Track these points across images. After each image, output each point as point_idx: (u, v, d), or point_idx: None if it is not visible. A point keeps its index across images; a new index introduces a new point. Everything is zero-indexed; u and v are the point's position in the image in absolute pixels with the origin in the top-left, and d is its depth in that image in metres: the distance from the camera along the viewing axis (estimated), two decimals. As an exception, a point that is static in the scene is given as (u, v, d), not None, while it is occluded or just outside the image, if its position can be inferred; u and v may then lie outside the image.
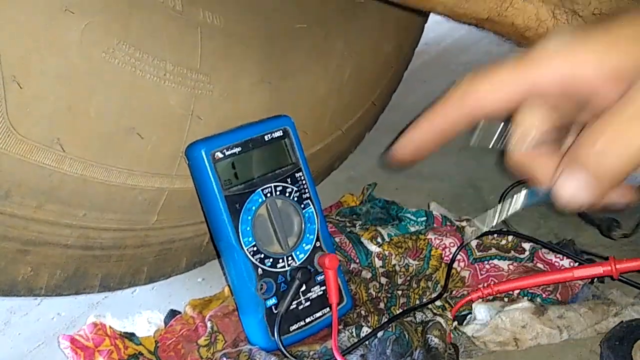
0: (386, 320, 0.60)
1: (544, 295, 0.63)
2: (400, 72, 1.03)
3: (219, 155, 0.57)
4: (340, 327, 0.60)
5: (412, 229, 0.73)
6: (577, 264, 0.65)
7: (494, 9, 0.55)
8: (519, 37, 0.58)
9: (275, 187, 0.60)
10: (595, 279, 0.64)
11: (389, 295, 0.66)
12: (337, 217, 0.80)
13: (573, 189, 0.34)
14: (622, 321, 0.57)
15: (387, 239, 0.71)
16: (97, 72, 0.50)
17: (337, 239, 0.71)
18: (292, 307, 0.60)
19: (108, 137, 0.53)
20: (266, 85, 0.68)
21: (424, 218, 0.75)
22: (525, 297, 0.63)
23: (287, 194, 0.61)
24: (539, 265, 0.67)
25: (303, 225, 0.61)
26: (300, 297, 0.60)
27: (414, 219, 0.75)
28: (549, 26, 0.55)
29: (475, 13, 0.56)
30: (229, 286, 0.64)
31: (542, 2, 0.55)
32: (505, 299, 0.63)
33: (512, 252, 0.69)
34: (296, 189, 0.61)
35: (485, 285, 0.65)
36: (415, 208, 0.77)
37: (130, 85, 0.53)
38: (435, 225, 0.75)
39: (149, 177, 0.57)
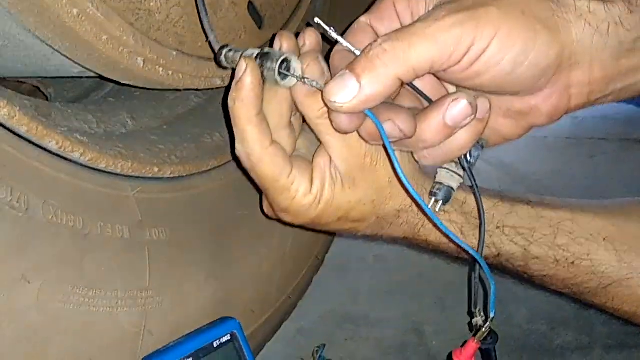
0: None
1: None
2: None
3: (172, 371, 0.61)
4: None
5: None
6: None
7: (409, 231, 0.62)
8: (434, 248, 0.65)
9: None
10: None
11: None
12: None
13: (345, 89, 0.46)
14: None
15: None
16: (54, 322, 0.54)
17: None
18: None
19: (65, 373, 0.56)
20: (212, 282, 0.73)
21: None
22: None
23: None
24: None
25: None
26: None
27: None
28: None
29: (393, 234, 0.63)
30: None
31: (450, 223, 0.62)
32: None
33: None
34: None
35: None
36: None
37: (85, 323, 0.57)
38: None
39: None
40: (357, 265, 1.13)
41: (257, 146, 0.53)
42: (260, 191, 0.62)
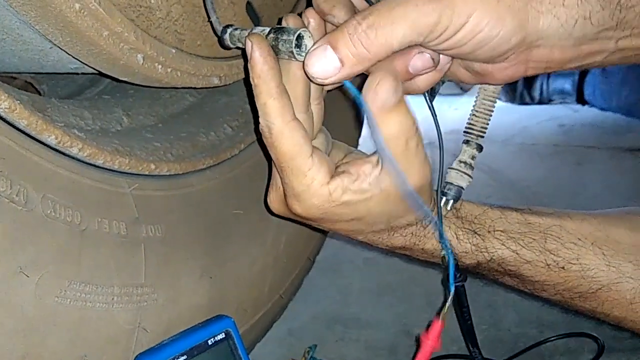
0: None
1: None
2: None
3: (166, 368, 0.61)
4: None
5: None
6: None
7: (410, 240, 0.63)
8: (429, 257, 0.66)
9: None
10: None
11: None
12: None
13: (326, 65, 0.49)
14: None
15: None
16: (50, 317, 0.54)
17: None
18: None
19: (60, 370, 0.56)
20: (207, 280, 0.73)
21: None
22: None
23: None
24: None
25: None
26: None
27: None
28: (454, 246, 0.63)
29: (395, 243, 0.63)
30: None
31: (447, 228, 0.63)
32: None
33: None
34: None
35: None
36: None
37: (80, 319, 0.57)
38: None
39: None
40: (348, 267, 1.13)
41: (278, 119, 0.54)
42: (269, 180, 0.61)
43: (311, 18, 0.56)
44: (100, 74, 0.65)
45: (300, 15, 0.57)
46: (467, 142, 0.64)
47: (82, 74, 0.72)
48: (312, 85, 0.58)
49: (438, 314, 0.62)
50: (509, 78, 0.56)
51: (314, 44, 0.51)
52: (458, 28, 0.48)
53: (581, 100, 2.59)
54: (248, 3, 0.72)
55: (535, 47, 0.51)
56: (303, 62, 0.52)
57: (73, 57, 0.60)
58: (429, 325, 0.64)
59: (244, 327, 0.79)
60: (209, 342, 0.65)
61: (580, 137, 2.12)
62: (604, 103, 2.46)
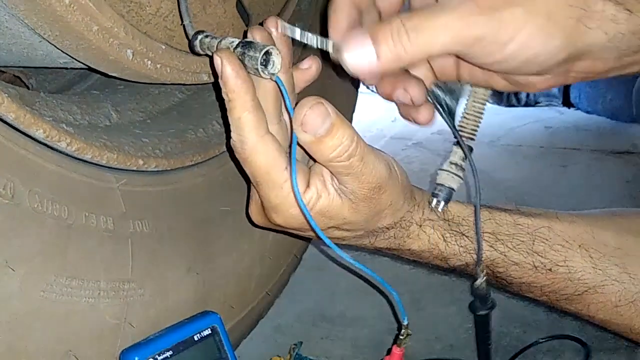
0: None
1: None
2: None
3: (152, 362, 0.61)
4: None
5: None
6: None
7: (394, 242, 0.63)
8: (417, 258, 0.66)
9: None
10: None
11: None
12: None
13: (362, 57, 0.47)
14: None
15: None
16: (35, 310, 0.54)
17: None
18: None
19: (45, 363, 0.56)
20: (194, 276, 0.73)
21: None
22: None
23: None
24: None
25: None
26: None
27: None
28: (441, 248, 0.64)
29: (378, 245, 0.64)
30: None
31: (434, 229, 0.64)
32: None
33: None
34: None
35: None
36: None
37: (66, 313, 0.57)
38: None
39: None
40: (334, 265, 1.13)
41: (252, 134, 0.54)
42: (248, 192, 0.62)
43: (272, 27, 0.56)
44: (90, 69, 0.65)
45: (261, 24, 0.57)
46: (457, 143, 0.65)
47: (71, 68, 0.72)
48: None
49: (396, 343, 0.65)
50: (548, 87, 0.55)
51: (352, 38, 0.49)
52: (505, 43, 0.47)
53: (567, 103, 2.61)
54: (238, 0, 0.72)
55: (579, 60, 0.50)
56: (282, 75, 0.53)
57: (62, 51, 0.60)
58: (388, 352, 0.66)
59: (230, 323, 0.79)
60: (195, 338, 0.65)
61: (566, 139, 2.14)
62: (590, 106, 2.48)
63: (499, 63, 0.49)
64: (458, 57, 0.52)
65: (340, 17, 0.56)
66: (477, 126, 0.63)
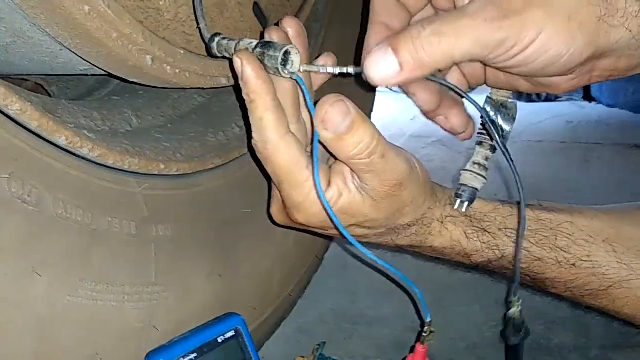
0: None
1: None
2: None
3: (177, 365, 0.62)
4: None
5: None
6: None
7: (415, 239, 0.63)
8: (440, 255, 0.66)
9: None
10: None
11: None
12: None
13: (385, 68, 0.47)
14: None
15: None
16: (61, 315, 0.55)
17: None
18: None
19: (72, 367, 0.57)
20: (216, 278, 0.73)
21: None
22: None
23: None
24: None
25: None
26: None
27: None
28: (464, 245, 0.64)
29: (400, 243, 0.64)
30: None
31: (455, 226, 0.63)
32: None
33: None
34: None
35: None
36: None
37: (92, 317, 0.58)
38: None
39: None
40: (355, 264, 1.13)
41: (273, 133, 0.54)
42: (269, 192, 0.62)
43: (289, 27, 0.57)
44: (110, 75, 0.66)
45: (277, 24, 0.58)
46: (480, 143, 0.64)
47: (92, 75, 0.73)
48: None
49: (419, 341, 0.64)
50: (572, 88, 0.54)
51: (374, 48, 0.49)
52: (526, 45, 0.47)
53: (588, 97, 2.59)
54: (255, 4, 0.73)
55: (603, 59, 0.50)
56: (296, 76, 0.53)
57: (82, 58, 0.61)
58: (412, 350, 0.66)
59: (253, 325, 0.80)
60: (219, 340, 0.66)
61: (587, 134, 2.12)
62: (611, 100, 2.45)
63: (522, 66, 0.49)
64: (481, 62, 0.52)
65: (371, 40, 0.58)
66: None
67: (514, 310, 0.62)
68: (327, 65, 0.54)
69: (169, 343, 0.64)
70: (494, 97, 0.62)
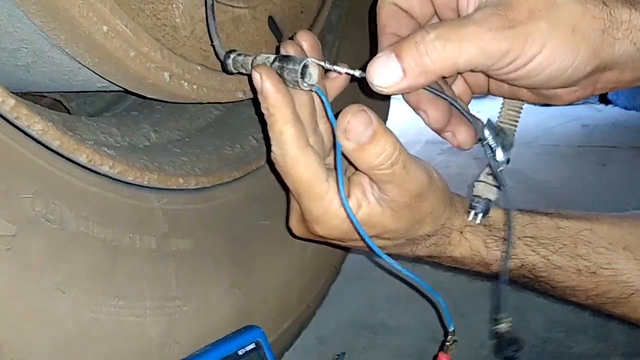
0: None
1: None
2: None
3: (199, 380, 0.62)
4: None
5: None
6: None
7: (435, 250, 0.63)
8: (460, 265, 0.66)
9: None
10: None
11: None
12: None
13: (388, 74, 0.48)
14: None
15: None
16: (87, 331, 0.55)
17: None
18: None
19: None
20: (236, 290, 0.74)
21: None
22: None
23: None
24: None
25: None
26: None
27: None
28: (483, 255, 0.64)
29: (419, 253, 0.64)
30: None
31: (475, 235, 0.63)
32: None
33: None
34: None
35: None
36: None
37: (115, 332, 0.58)
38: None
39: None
40: (374, 273, 1.13)
41: (293, 147, 0.54)
42: (288, 204, 0.62)
43: (303, 41, 0.57)
44: (127, 91, 0.66)
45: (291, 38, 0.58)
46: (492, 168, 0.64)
47: (110, 91, 0.74)
48: (318, 103, 0.58)
49: (442, 349, 0.64)
50: (576, 99, 0.54)
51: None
52: (530, 59, 0.47)
53: (604, 100, 2.57)
54: (270, 18, 0.73)
55: (607, 71, 0.50)
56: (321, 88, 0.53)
57: (101, 76, 0.62)
58: (434, 358, 0.65)
59: (272, 336, 0.80)
60: (240, 353, 0.66)
61: (604, 137, 2.11)
62: (627, 102, 2.44)
63: (525, 79, 0.49)
64: (484, 73, 0.52)
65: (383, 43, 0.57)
66: (513, 135, 0.62)
67: (505, 327, 0.61)
68: (336, 65, 0.54)
69: (190, 356, 0.64)
70: (496, 121, 0.61)
